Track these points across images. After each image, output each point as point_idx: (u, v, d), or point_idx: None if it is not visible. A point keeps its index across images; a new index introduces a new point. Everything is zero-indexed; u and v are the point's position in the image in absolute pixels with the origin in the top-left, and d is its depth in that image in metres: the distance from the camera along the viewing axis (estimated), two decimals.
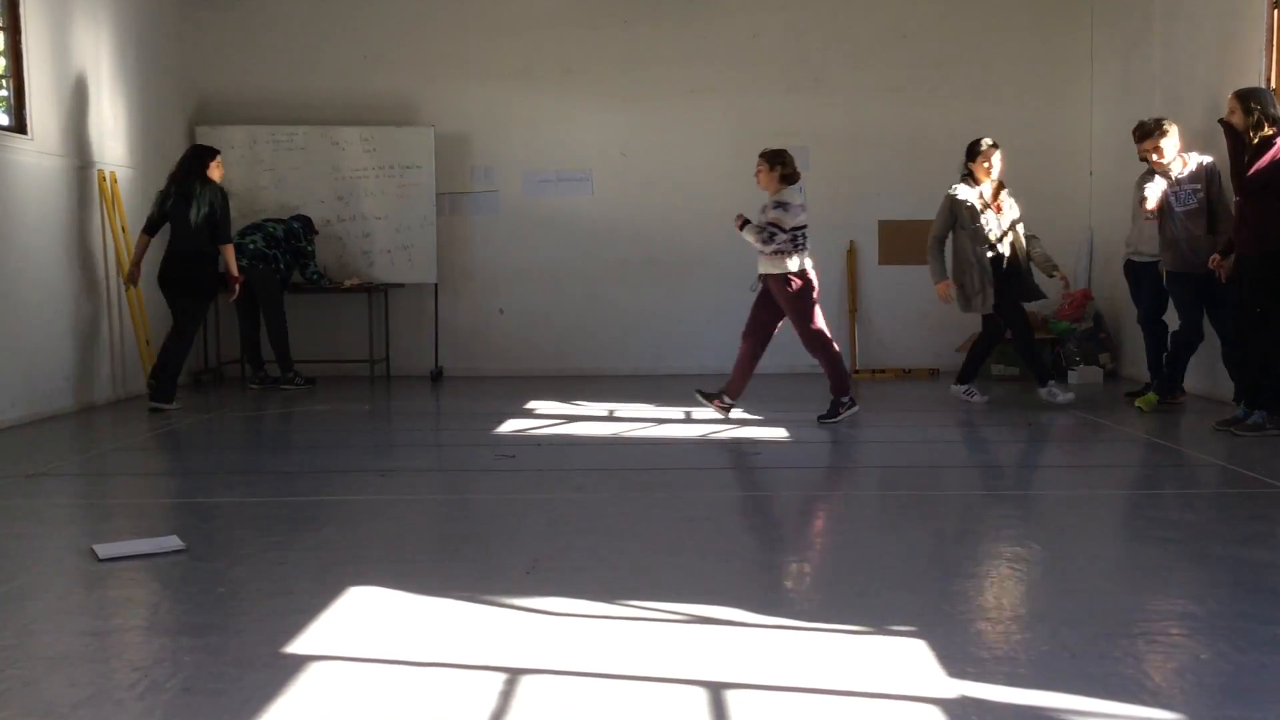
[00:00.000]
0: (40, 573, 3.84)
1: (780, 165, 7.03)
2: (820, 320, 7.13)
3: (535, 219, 10.34)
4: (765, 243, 6.87)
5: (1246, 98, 6.30)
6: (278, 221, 9.38)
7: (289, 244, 9.30)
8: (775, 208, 6.93)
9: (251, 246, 9.05)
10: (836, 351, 7.18)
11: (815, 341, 7.12)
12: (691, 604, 3.32)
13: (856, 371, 10.07)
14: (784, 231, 6.86)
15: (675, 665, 2.85)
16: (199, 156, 8.02)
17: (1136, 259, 7.69)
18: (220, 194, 7.92)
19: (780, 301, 7.04)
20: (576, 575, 3.75)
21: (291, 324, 9.29)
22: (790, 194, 6.96)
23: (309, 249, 9.42)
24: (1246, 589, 3.53)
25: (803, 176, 7.13)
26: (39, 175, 7.60)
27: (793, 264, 6.91)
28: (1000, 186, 7.62)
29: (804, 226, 6.97)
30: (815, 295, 7.10)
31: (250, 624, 3.21)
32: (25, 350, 7.36)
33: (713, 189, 10.27)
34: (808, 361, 10.35)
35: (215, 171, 7.98)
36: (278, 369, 9.26)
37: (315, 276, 9.36)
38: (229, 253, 7.99)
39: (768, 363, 10.24)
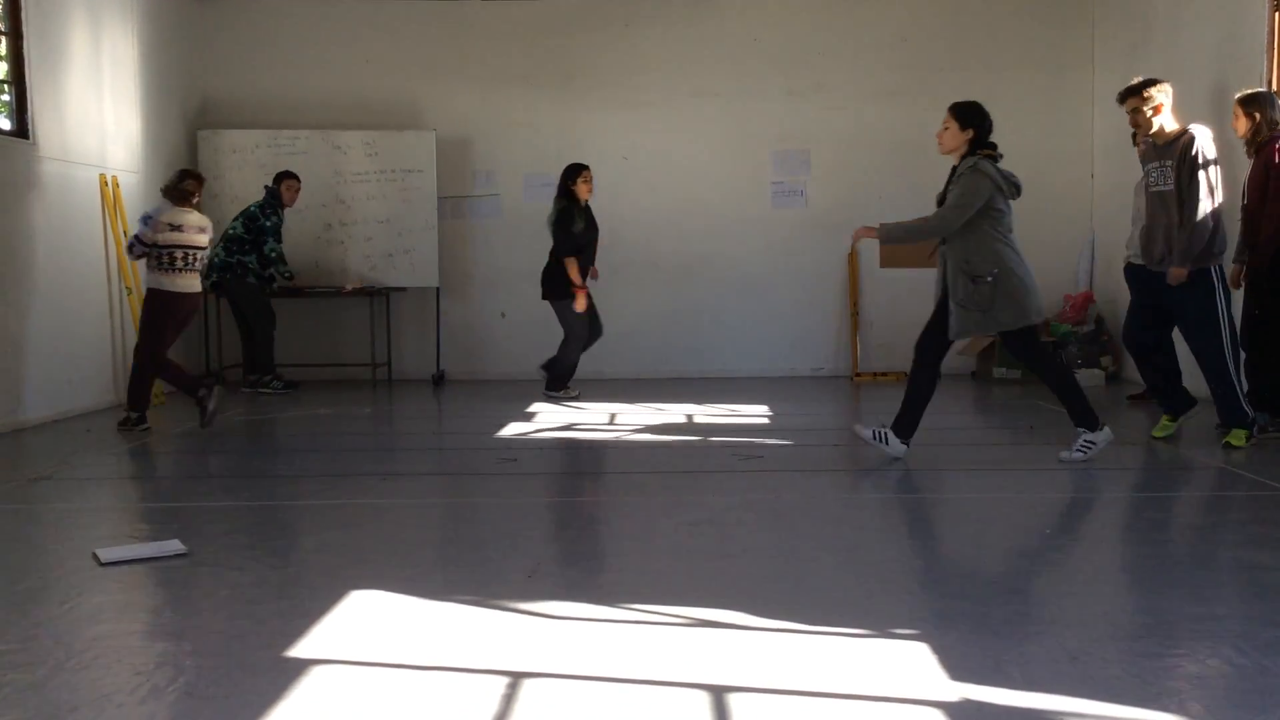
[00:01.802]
0: (42, 577, 3.84)
1: (176, 180, 7.07)
2: (157, 346, 6.96)
3: (537, 222, 10.30)
4: (128, 252, 6.84)
5: (1246, 103, 6.30)
6: (237, 217, 9.01)
7: (250, 233, 8.86)
8: (143, 221, 6.94)
9: (217, 260, 8.79)
10: (149, 377, 7.05)
11: (140, 356, 7.00)
12: (694, 607, 3.32)
13: (858, 374, 10.07)
14: (143, 244, 6.86)
15: (678, 668, 2.85)
16: (566, 173, 8.38)
17: (1136, 261, 7.67)
18: (564, 208, 8.22)
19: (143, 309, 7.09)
20: (578, 579, 3.75)
21: (293, 328, 9.27)
22: (163, 209, 6.92)
23: (267, 224, 8.87)
24: (1250, 592, 3.53)
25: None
26: (40, 180, 7.61)
27: (161, 281, 6.89)
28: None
29: (186, 247, 6.91)
30: (176, 319, 6.99)
31: (252, 628, 3.21)
32: (27, 355, 7.37)
33: (714, 192, 10.29)
34: (809, 365, 10.46)
35: (582, 186, 8.32)
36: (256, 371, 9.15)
37: (272, 254, 8.85)
38: (567, 265, 8.23)
39: (768, 366, 10.34)
